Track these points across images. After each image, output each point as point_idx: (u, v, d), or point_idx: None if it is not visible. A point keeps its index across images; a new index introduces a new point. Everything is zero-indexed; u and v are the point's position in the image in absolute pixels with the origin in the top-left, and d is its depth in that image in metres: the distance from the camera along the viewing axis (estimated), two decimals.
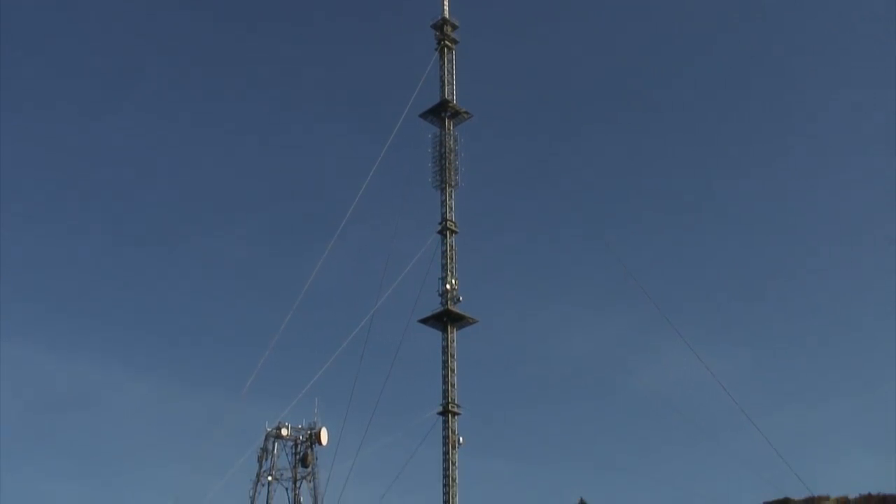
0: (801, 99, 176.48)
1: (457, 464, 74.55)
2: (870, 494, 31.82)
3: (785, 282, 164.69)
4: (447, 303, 77.47)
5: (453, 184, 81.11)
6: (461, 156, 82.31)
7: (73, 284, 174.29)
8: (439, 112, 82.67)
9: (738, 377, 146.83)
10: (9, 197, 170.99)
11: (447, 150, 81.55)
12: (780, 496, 33.97)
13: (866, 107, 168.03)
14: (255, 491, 73.55)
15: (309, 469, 74.97)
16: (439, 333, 78.29)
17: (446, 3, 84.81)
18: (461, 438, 75.40)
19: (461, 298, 78.19)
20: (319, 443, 75.19)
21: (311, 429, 75.76)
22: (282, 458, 75.61)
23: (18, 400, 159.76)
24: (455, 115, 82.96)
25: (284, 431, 75.10)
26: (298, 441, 75.59)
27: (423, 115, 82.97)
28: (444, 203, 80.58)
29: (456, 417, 75.62)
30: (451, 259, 79.22)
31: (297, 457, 75.38)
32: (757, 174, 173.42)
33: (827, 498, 31.16)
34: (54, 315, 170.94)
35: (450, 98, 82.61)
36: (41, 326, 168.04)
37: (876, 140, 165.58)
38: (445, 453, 74.79)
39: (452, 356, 77.00)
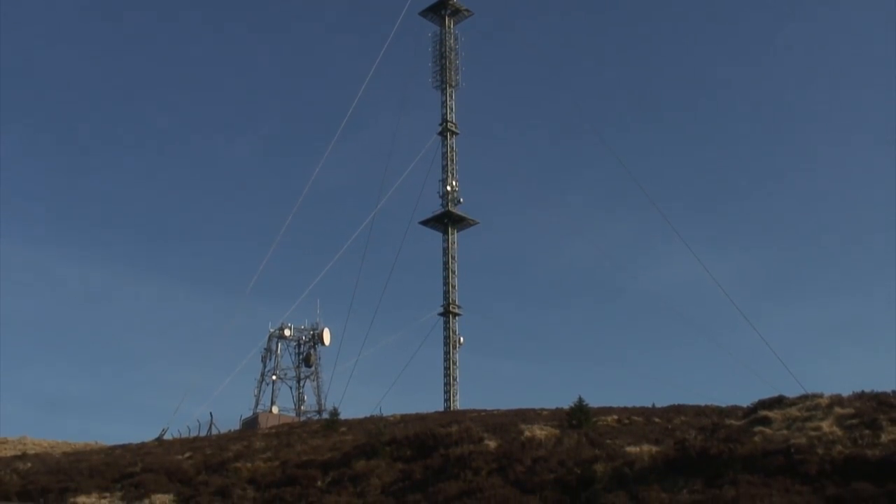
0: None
1: (458, 363, 75.68)
2: (863, 392, 32.20)
3: (784, 185, 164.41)
4: (448, 204, 77.40)
5: (454, 84, 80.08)
6: (462, 55, 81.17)
7: (81, 188, 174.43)
8: (439, 10, 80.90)
9: (737, 279, 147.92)
10: (13, 104, 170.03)
11: (447, 49, 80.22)
12: (775, 394, 34.43)
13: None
14: (260, 390, 74.86)
15: (312, 368, 76.15)
16: (440, 235, 78.50)
17: None
18: (462, 338, 76.33)
19: (462, 200, 78.15)
20: (322, 343, 76.20)
21: (313, 329, 76.69)
22: (285, 358, 76.80)
23: (28, 302, 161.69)
24: (455, 12, 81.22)
25: (287, 332, 76.06)
26: (301, 341, 76.60)
27: (423, 13, 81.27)
28: (444, 104, 79.68)
29: (456, 318, 76.43)
30: (452, 160, 78.81)
31: (301, 357, 76.52)
32: (755, 78, 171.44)
33: (821, 395, 31.57)
34: (62, 218, 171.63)
35: None
36: (49, 230, 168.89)
37: (873, 30, 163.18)
38: (446, 353, 75.78)
39: (453, 257, 77.35)
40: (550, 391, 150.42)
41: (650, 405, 46.54)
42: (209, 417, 66.66)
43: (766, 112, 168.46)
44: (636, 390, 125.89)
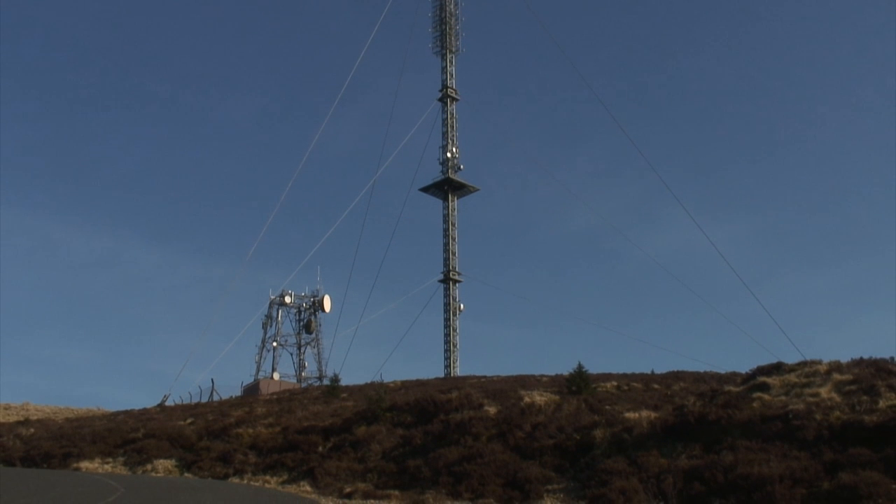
0: None
1: (458, 330, 76.00)
2: (862, 358, 32.25)
3: (785, 152, 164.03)
4: (448, 171, 77.30)
5: (454, 50, 79.64)
6: (462, 20, 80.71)
7: (81, 155, 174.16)
8: None
9: (738, 246, 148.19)
10: (12, 72, 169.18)
11: (448, 14, 79.71)
12: (774, 360, 34.53)
13: None
14: (261, 356, 75.20)
15: (313, 335, 76.52)
16: (440, 202, 78.47)
17: None
18: (462, 305, 76.58)
19: (462, 167, 78.10)
20: (323, 310, 76.53)
21: (314, 296, 76.99)
22: (286, 325, 77.18)
23: (33, 269, 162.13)
24: None
25: (288, 299, 76.34)
26: (302, 308, 76.91)
27: None
28: (444, 70, 79.33)
29: (457, 284, 76.60)
30: (452, 127, 78.58)
31: (301, 323, 76.87)
32: (758, 40, 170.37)
33: (819, 362, 31.63)
34: (64, 185, 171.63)
35: None
36: (54, 196, 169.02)
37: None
38: (447, 319, 76.02)
39: (453, 224, 77.39)
40: (550, 357, 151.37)
41: (649, 371, 46.93)
42: (210, 384, 67.05)
43: (768, 78, 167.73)
44: (635, 357, 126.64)
